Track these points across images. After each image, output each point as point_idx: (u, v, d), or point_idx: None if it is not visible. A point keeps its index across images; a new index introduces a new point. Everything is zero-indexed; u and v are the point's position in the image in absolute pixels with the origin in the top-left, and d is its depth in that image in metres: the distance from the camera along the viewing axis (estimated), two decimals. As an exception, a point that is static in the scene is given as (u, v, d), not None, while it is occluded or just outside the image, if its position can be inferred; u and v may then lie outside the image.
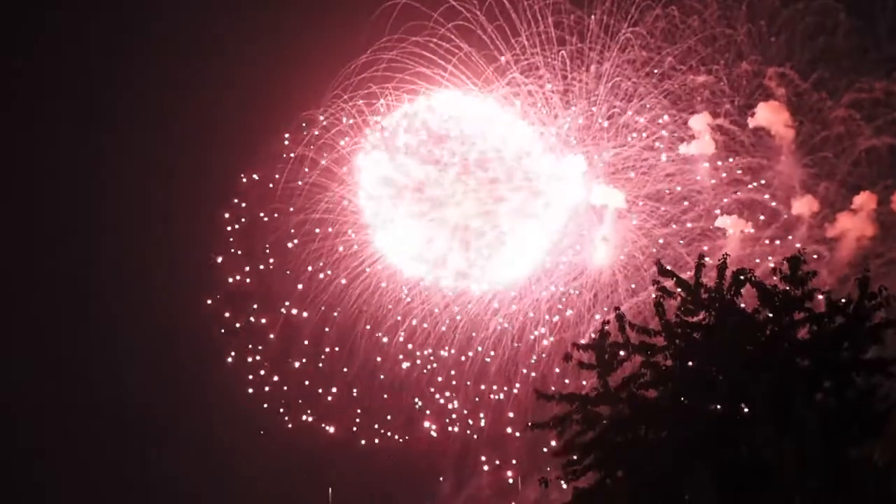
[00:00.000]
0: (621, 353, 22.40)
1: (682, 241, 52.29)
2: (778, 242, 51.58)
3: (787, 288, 21.91)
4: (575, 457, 22.05)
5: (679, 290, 22.49)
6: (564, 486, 22.61)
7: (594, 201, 53.25)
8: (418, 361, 54.60)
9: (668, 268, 23.23)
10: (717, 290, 22.20)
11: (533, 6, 52.36)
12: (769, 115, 51.31)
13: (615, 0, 52.48)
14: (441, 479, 56.88)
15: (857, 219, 50.04)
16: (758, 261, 49.73)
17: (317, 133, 54.58)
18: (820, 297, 22.14)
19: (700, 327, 22.14)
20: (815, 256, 49.43)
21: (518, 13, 52.44)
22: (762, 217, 52.45)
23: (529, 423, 23.24)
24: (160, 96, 60.57)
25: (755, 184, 52.59)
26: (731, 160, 52.67)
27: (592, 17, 52.77)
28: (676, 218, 52.91)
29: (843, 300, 21.51)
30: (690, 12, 52.56)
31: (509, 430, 54.32)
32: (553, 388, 26.91)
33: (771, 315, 21.87)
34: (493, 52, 53.02)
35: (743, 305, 22.55)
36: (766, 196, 52.44)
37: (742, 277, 22.15)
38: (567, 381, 47.59)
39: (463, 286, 53.73)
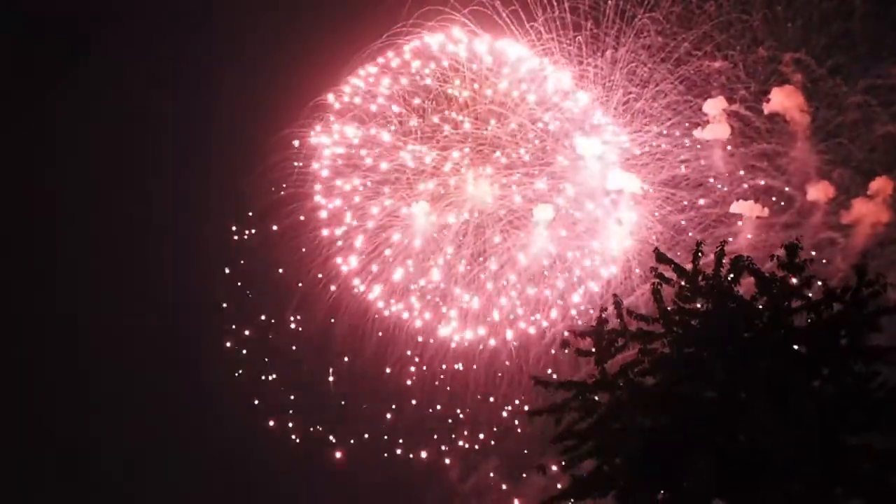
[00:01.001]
0: (619, 340, 22.51)
1: (696, 227, 52.22)
2: (793, 228, 51.34)
3: (785, 275, 21.94)
4: (573, 443, 22.17)
5: (677, 277, 22.58)
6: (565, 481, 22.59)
7: (609, 187, 53.10)
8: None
9: (667, 255, 23.32)
10: (715, 277, 22.27)
11: (549, -10, 52.35)
12: (784, 101, 51.15)
13: (631, -15, 52.49)
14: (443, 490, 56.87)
15: (872, 205, 49.85)
16: (775, 243, 49.68)
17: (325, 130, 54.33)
18: (819, 283, 22.20)
19: (698, 314, 22.18)
20: (830, 243, 49.53)
21: (534, -3, 52.46)
22: (777, 202, 52.39)
23: (528, 410, 23.40)
24: (162, 96, 60.47)
25: (771, 170, 52.50)
26: (746, 146, 52.54)
27: (608, 1, 52.70)
28: (692, 204, 52.80)
29: (840, 287, 21.47)
30: (706, -3, 52.44)
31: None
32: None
33: (768, 302, 21.88)
34: (509, 38, 52.98)
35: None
36: (782, 182, 52.32)
37: (740, 265, 22.22)
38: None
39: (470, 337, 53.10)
